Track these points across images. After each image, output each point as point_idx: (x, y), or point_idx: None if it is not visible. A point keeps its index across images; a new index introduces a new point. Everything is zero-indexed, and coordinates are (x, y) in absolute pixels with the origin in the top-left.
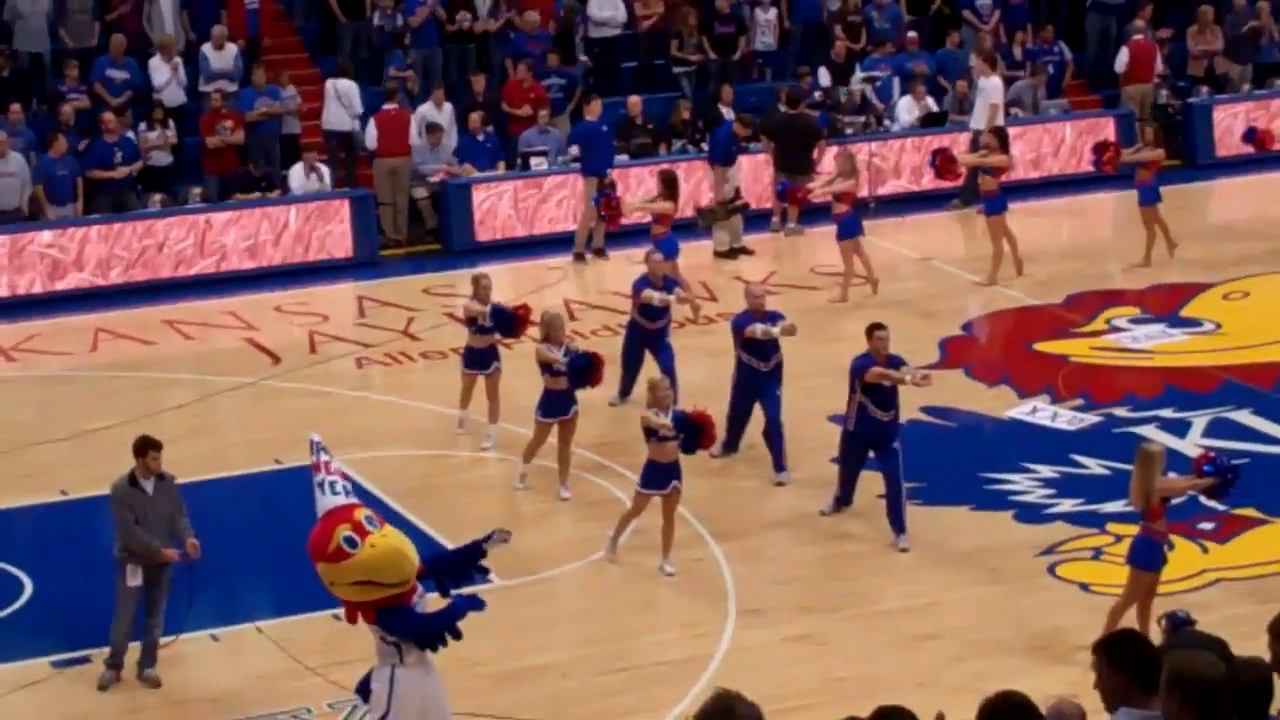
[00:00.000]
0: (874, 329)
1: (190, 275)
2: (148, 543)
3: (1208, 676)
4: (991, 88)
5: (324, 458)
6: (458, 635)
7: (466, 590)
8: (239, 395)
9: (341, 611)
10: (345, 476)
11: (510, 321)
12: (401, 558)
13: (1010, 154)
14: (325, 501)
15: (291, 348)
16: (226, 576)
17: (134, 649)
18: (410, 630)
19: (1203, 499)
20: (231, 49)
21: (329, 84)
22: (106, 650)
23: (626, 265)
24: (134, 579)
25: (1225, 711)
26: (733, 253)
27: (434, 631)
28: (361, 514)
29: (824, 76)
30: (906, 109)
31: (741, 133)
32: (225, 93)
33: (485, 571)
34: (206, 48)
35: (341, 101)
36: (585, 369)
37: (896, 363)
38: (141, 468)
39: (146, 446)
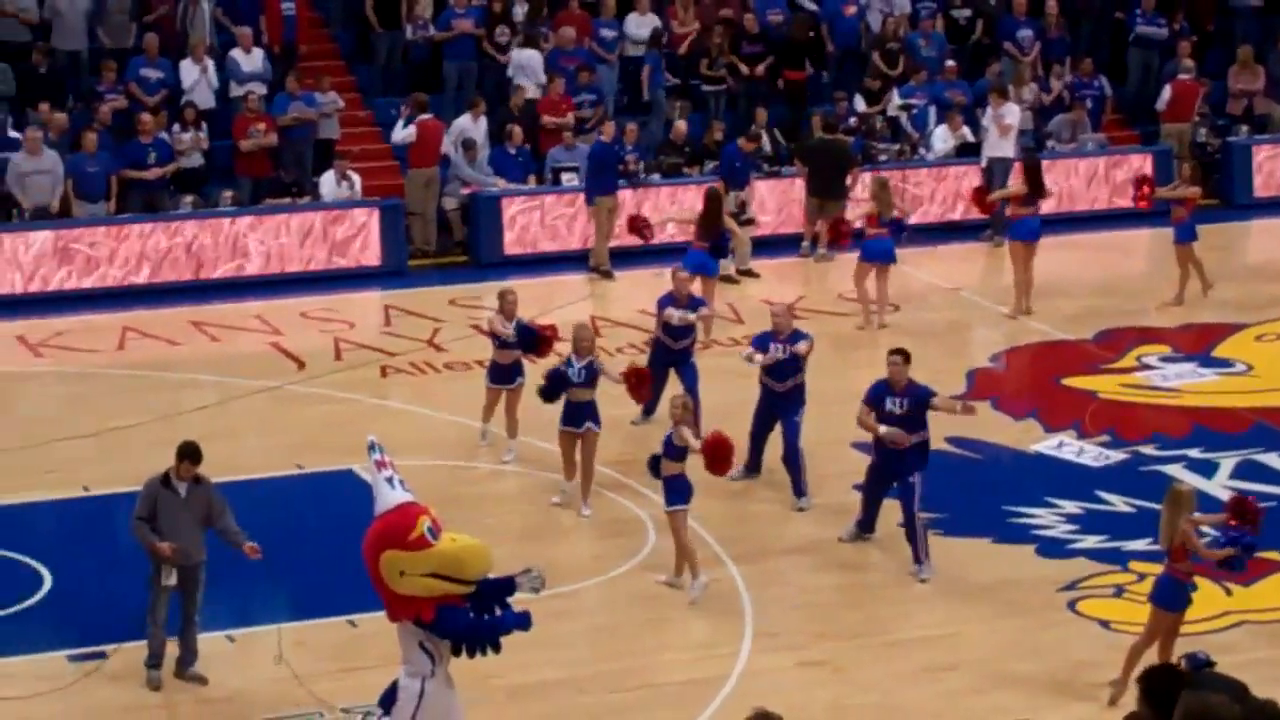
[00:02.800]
0: (892, 354)
1: (218, 278)
2: (148, 538)
3: (1221, 717)
4: (1007, 112)
5: (386, 456)
6: (498, 648)
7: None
8: (262, 399)
9: (356, 618)
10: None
11: (536, 341)
12: (485, 553)
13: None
14: (393, 495)
15: (316, 354)
16: (243, 578)
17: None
18: (462, 631)
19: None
20: (259, 53)
21: (513, 54)
22: (122, 646)
23: (655, 282)
24: (168, 579)
25: None
26: (739, 276)
27: (481, 637)
28: (433, 512)
29: (859, 102)
30: (942, 138)
31: (747, 147)
32: (258, 95)
33: (506, 610)
34: (235, 51)
35: (525, 71)
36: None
37: (923, 394)
38: (177, 470)
39: (184, 455)
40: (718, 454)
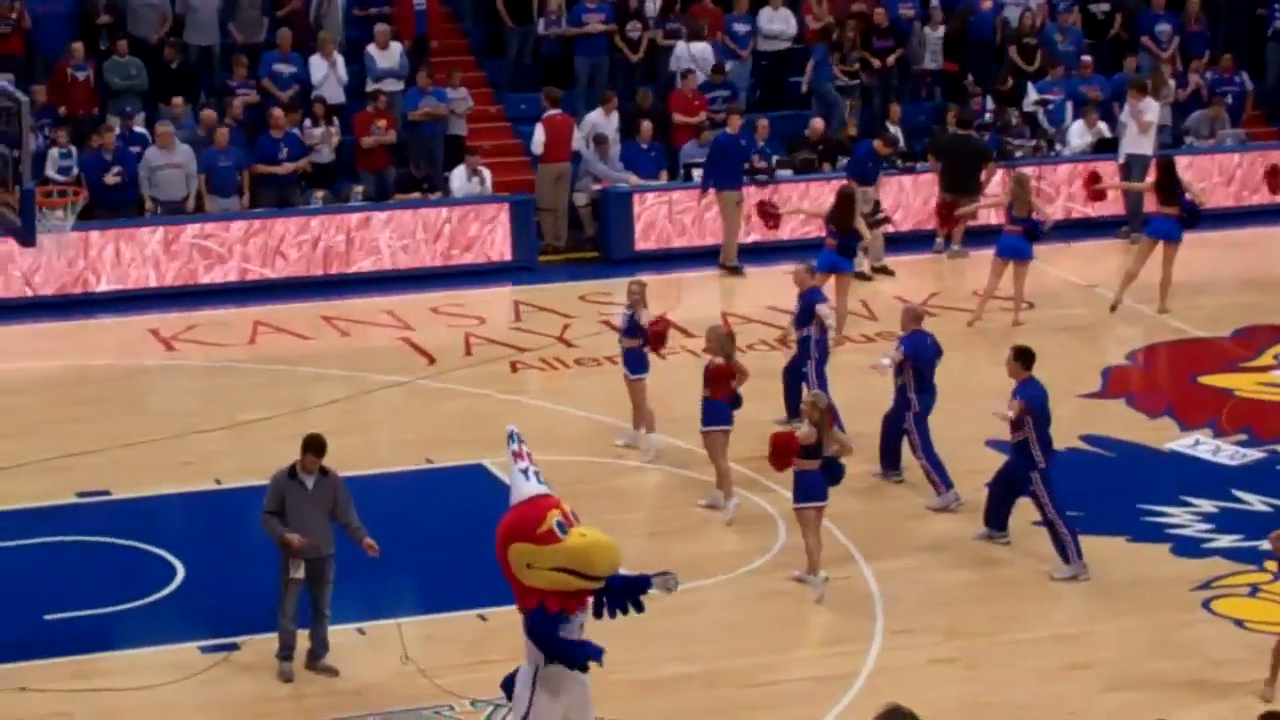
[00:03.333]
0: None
1: (348, 273)
2: (276, 529)
3: None
4: (1147, 108)
5: (525, 448)
6: (584, 669)
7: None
8: (392, 394)
9: (486, 612)
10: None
11: (643, 335)
12: (614, 550)
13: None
14: (527, 487)
15: (446, 349)
16: (374, 571)
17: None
18: (540, 639)
19: None
20: (396, 48)
21: (678, 47)
22: (253, 637)
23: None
24: (296, 572)
25: None
26: (874, 273)
27: (557, 653)
28: (566, 506)
29: (988, 100)
30: (1078, 134)
31: (882, 150)
32: (388, 93)
33: (641, 608)
34: (371, 47)
35: (697, 63)
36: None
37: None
38: (303, 463)
39: (308, 447)
40: (775, 449)
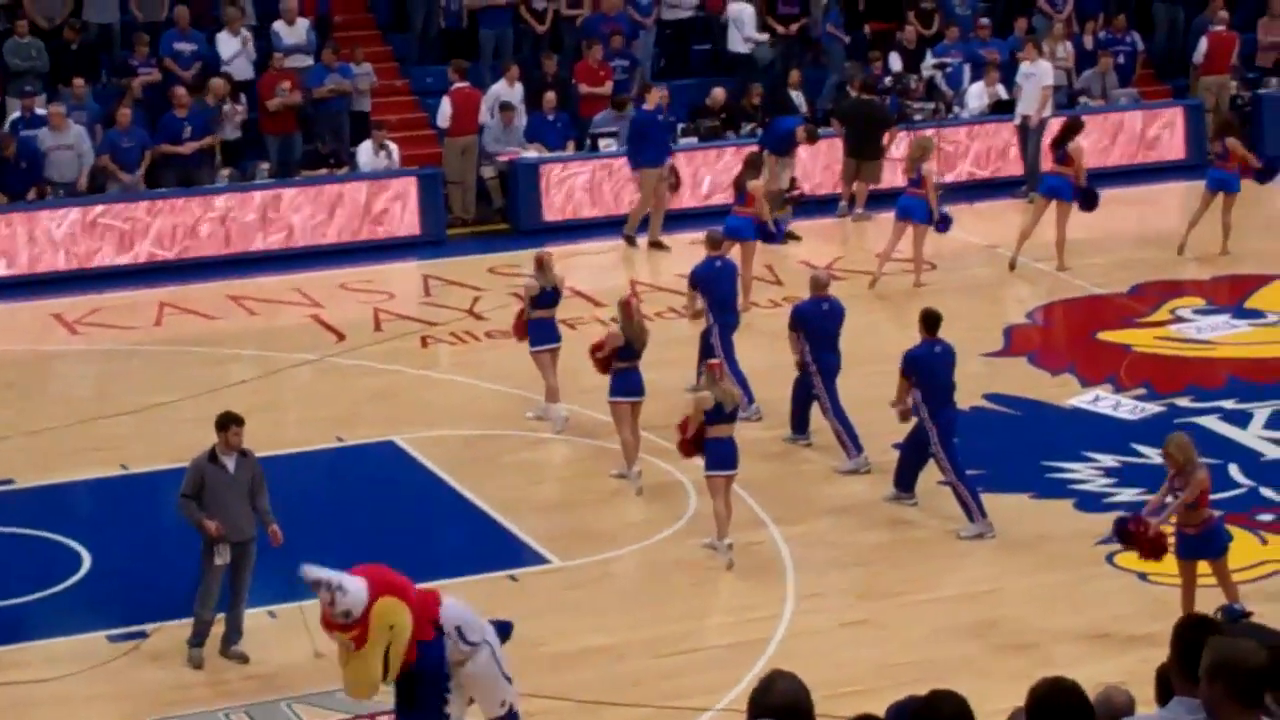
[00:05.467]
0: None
1: (256, 251)
2: (195, 514)
3: (1249, 663)
4: (1041, 71)
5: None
6: None
7: None
8: (303, 372)
9: None
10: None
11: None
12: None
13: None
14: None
15: (356, 325)
16: (286, 553)
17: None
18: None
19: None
20: (303, 23)
21: (729, 8)
22: (163, 625)
23: (691, 249)
24: (221, 558)
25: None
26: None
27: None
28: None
29: (895, 62)
30: (976, 96)
31: (801, 139)
32: (294, 68)
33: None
34: (278, 24)
35: (736, 25)
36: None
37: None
38: (223, 443)
39: (229, 421)
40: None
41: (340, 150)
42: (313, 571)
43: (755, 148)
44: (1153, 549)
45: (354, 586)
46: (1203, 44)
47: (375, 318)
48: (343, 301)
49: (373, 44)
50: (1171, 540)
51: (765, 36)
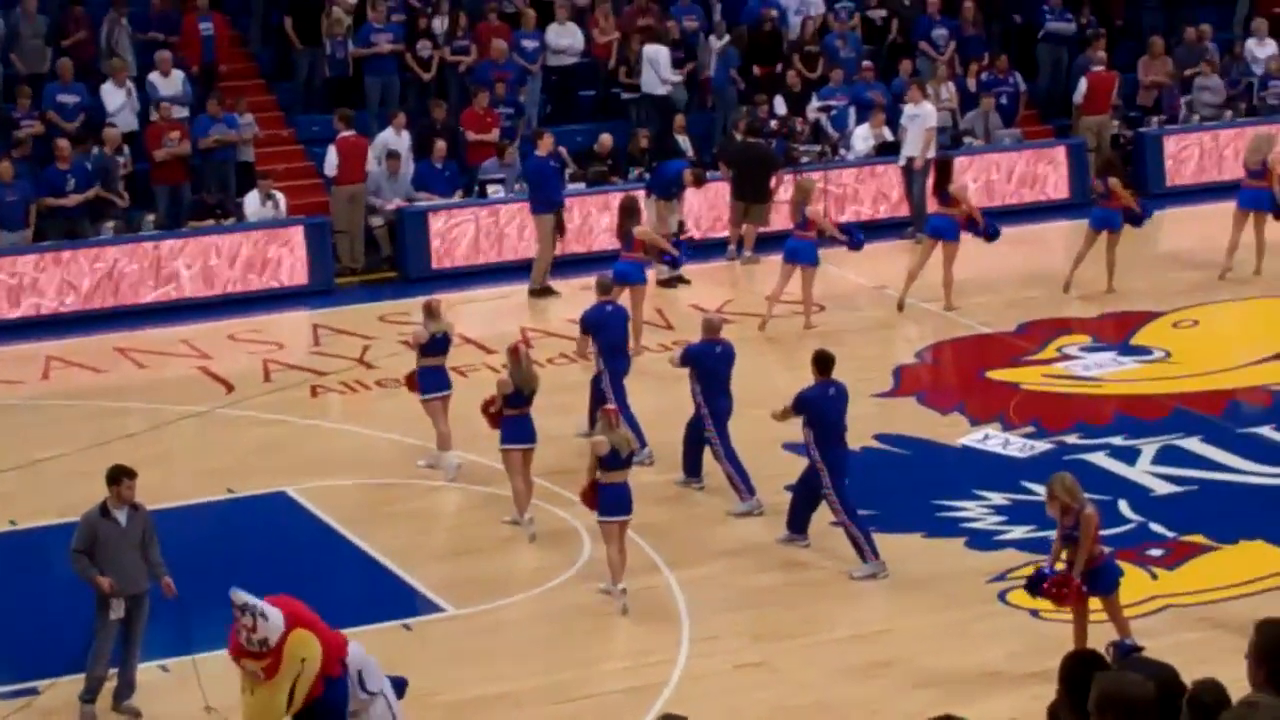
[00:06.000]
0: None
1: (143, 303)
2: (88, 570)
3: (1135, 697)
4: (925, 114)
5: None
6: None
7: None
8: (191, 424)
9: None
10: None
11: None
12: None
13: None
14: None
15: (245, 376)
16: (178, 606)
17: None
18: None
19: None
20: (179, 75)
21: (645, 50)
22: (56, 681)
23: (581, 294)
24: (116, 612)
25: None
26: (672, 282)
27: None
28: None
29: (780, 106)
30: (862, 138)
31: (688, 183)
32: (178, 118)
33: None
34: (154, 75)
35: (652, 66)
36: None
37: None
38: (114, 497)
39: (120, 474)
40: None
41: (227, 200)
42: (240, 595)
43: (631, 193)
44: (1079, 599)
45: (273, 615)
46: (1082, 84)
47: (264, 368)
48: (231, 352)
49: (257, 94)
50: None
51: (680, 78)
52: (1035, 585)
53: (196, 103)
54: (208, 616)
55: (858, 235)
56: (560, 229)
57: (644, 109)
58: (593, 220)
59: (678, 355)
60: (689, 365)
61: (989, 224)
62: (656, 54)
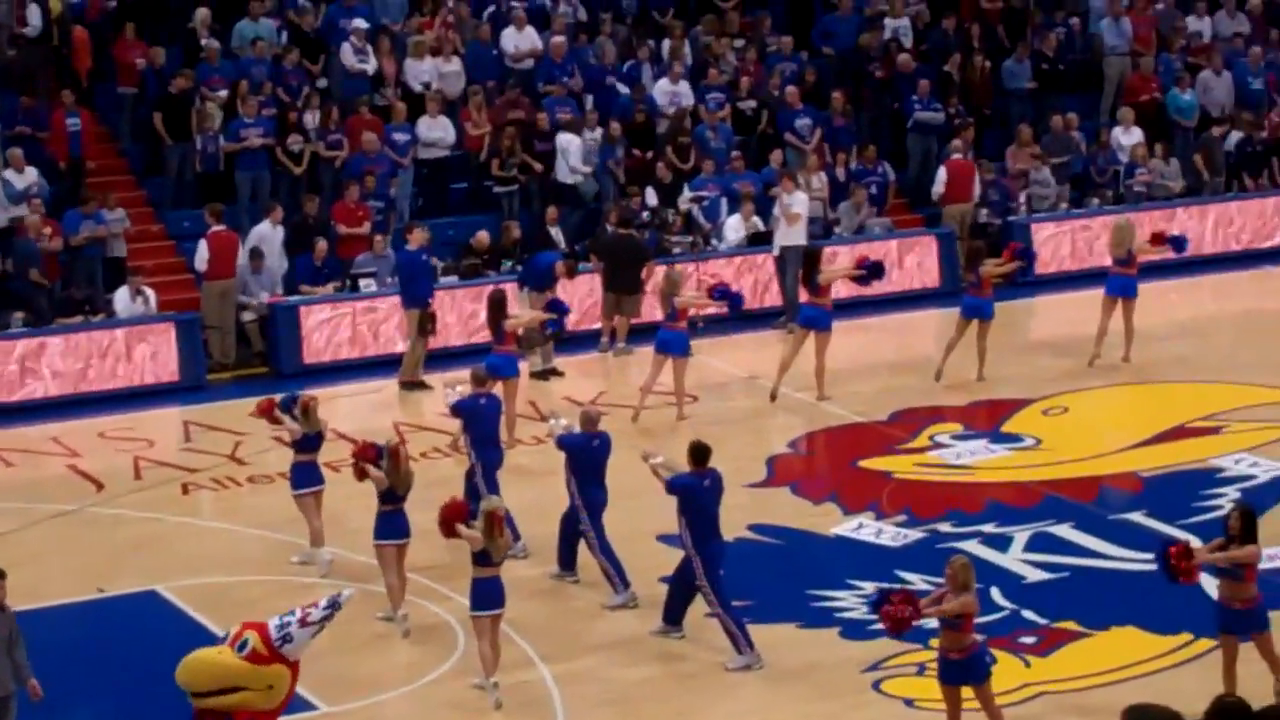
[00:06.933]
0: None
1: (12, 401)
2: None
3: None
4: (796, 203)
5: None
6: None
7: None
8: (61, 523)
9: None
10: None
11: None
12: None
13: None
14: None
15: (115, 474)
16: (46, 709)
17: None
18: None
19: (1025, 614)
20: (33, 170)
21: (558, 139)
22: None
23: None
24: None
25: None
26: (545, 374)
27: None
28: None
29: (651, 196)
30: (734, 228)
31: (561, 274)
32: (40, 202)
33: None
34: (8, 172)
35: (564, 156)
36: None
37: None
38: None
39: None
40: (443, 517)
41: (96, 297)
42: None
43: (499, 287)
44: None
45: (298, 643)
46: (941, 173)
47: (135, 466)
48: (102, 450)
49: (127, 189)
50: (933, 668)
51: (590, 169)
52: (879, 605)
53: (58, 199)
54: (78, 716)
55: (734, 297)
56: (430, 323)
57: (485, 204)
58: (465, 313)
59: (557, 431)
60: (566, 453)
61: (868, 264)
62: (569, 144)
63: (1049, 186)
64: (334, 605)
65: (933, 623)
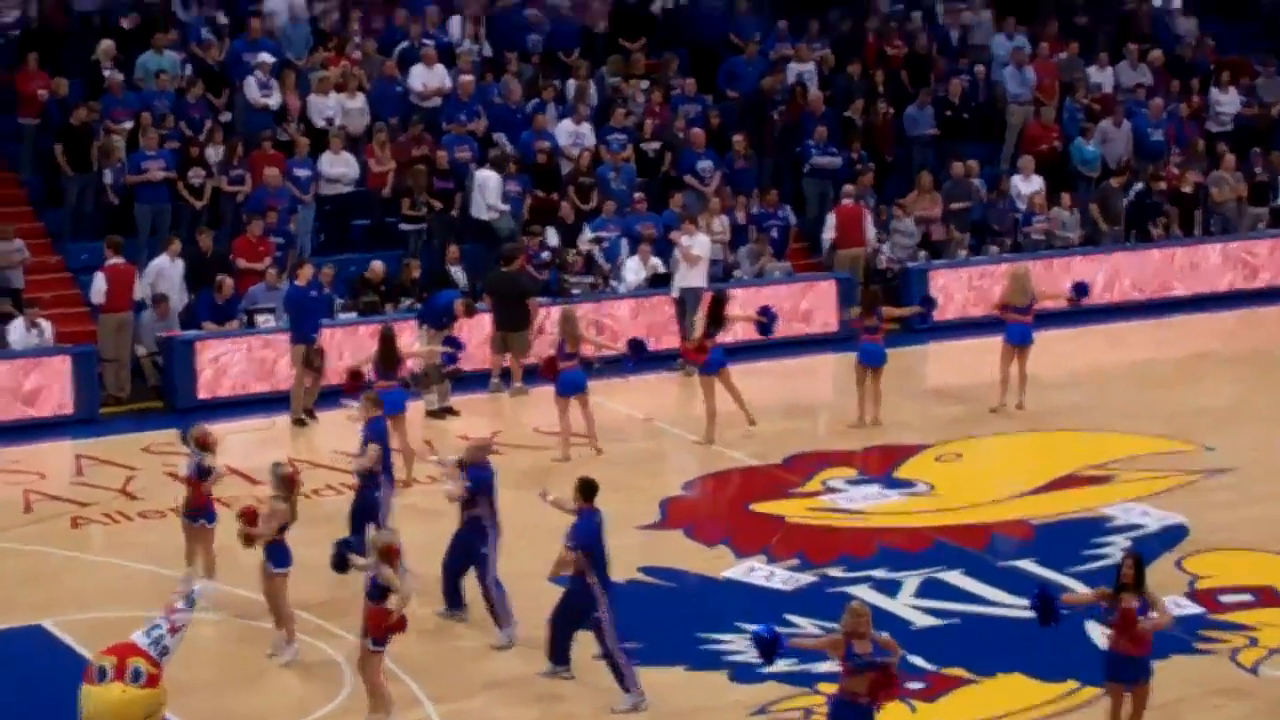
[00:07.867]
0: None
1: None
2: None
3: None
4: (696, 243)
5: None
6: None
7: None
8: None
9: None
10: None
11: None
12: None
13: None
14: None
15: (4, 507)
16: None
17: None
18: None
19: (913, 659)
20: None
21: (476, 175)
22: None
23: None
24: None
25: None
26: (441, 413)
27: None
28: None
29: (552, 237)
30: (633, 270)
31: (460, 313)
32: None
33: None
34: None
35: (481, 192)
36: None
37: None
38: None
39: None
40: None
41: None
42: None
43: (389, 323)
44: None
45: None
46: (831, 219)
47: (25, 499)
48: None
49: (25, 220)
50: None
51: (507, 207)
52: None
53: None
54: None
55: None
56: (317, 359)
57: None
58: (362, 350)
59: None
60: (481, 492)
61: (764, 310)
62: (486, 180)
63: (910, 236)
64: (192, 602)
65: (823, 667)
